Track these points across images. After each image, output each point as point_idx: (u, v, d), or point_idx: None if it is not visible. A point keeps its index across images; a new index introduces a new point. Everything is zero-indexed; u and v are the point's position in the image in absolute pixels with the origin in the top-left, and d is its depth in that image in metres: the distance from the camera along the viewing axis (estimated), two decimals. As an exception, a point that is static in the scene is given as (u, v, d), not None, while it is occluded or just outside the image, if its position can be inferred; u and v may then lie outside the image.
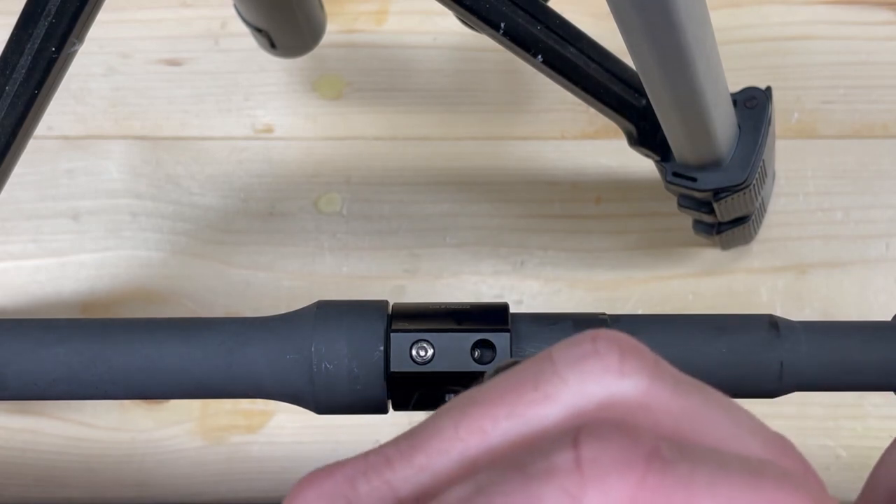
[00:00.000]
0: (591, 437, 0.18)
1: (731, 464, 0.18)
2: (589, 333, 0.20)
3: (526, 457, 0.18)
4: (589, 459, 0.18)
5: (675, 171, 0.48)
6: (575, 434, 0.18)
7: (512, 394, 0.19)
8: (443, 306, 0.34)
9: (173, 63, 0.65)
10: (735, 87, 0.47)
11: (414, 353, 0.32)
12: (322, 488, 0.20)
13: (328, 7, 0.53)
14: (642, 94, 0.44)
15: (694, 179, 0.47)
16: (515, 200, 0.61)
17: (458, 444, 0.19)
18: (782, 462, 0.19)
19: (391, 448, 0.20)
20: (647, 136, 0.47)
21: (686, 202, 0.50)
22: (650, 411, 0.19)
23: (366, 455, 0.20)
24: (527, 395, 0.19)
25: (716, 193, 0.48)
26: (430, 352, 0.32)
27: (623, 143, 0.48)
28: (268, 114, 0.64)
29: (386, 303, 0.34)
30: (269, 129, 0.64)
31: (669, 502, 0.17)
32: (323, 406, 0.33)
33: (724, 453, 0.19)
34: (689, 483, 0.17)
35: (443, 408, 0.20)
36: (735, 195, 0.48)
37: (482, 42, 0.46)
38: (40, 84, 0.39)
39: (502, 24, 0.43)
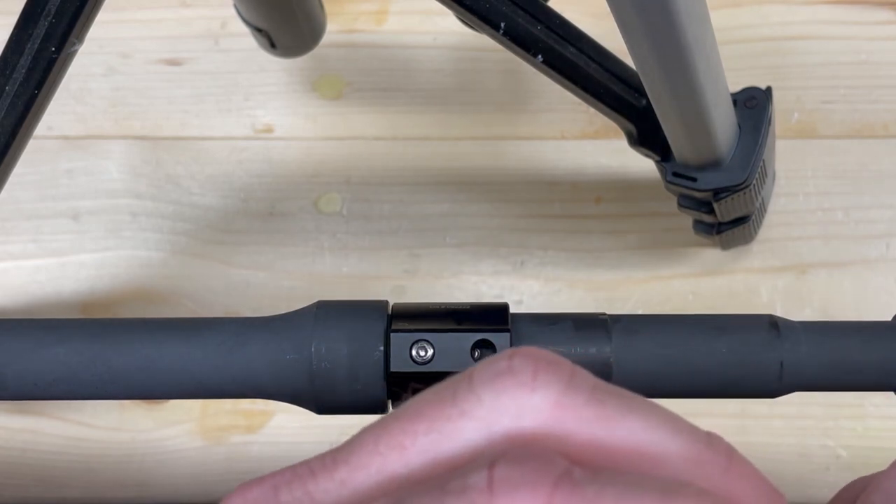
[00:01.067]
0: (506, 458, 0.18)
1: (644, 484, 0.18)
2: (508, 351, 0.21)
3: (445, 475, 0.19)
4: (500, 480, 0.18)
5: (675, 171, 0.48)
6: (493, 456, 0.19)
7: (430, 410, 0.20)
8: (443, 306, 0.34)
9: (173, 63, 0.65)
10: (735, 87, 0.47)
11: (414, 353, 0.32)
12: (249, 496, 0.21)
13: (328, 7, 0.53)
14: (642, 94, 0.44)
15: (694, 179, 0.47)
16: (515, 200, 0.61)
17: (378, 458, 0.20)
18: (708, 457, 0.19)
19: (317, 461, 0.21)
20: (647, 136, 0.47)
21: (686, 202, 0.50)
22: (562, 422, 0.20)
23: (294, 467, 0.21)
24: (445, 411, 0.20)
25: (716, 193, 0.48)
26: (430, 352, 0.32)
27: (623, 143, 0.48)
28: (268, 114, 0.64)
29: (386, 303, 0.34)
30: (269, 129, 0.64)
31: None
32: (323, 406, 0.33)
33: (638, 476, 0.19)
34: (596, 502, 0.18)
35: (369, 424, 0.21)
36: (735, 195, 0.48)
37: (482, 42, 0.46)
38: (40, 84, 0.39)
39: (502, 24, 0.43)
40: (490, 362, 0.20)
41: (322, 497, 0.20)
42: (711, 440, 0.20)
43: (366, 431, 0.21)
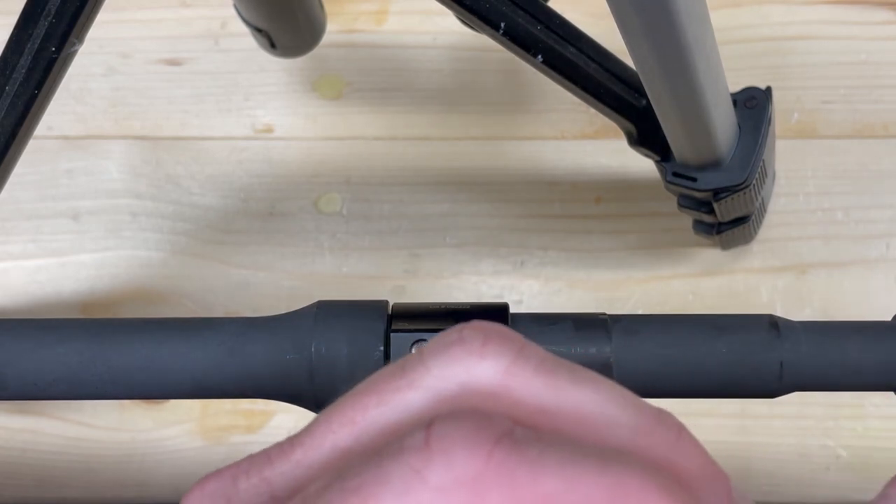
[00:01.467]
0: (445, 418, 0.18)
1: (586, 451, 0.18)
2: (460, 325, 0.20)
3: (386, 441, 0.19)
4: (437, 437, 0.18)
5: (675, 171, 0.48)
6: (432, 416, 0.18)
7: (380, 384, 0.20)
8: (443, 306, 0.34)
9: (173, 63, 0.65)
10: (735, 87, 0.47)
11: (414, 352, 0.32)
12: (206, 489, 0.21)
13: (328, 7, 0.53)
14: (642, 94, 0.44)
15: (694, 179, 0.47)
16: (515, 200, 0.61)
17: (330, 436, 0.20)
18: (656, 432, 0.19)
19: (275, 447, 0.21)
20: (647, 136, 0.47)
21: (686, 202, 0.50)
22: (511, 390, 0.19)
23: (253, 455, 0.21)
24: (394, 383, 0.20)
25: (716, 193, 0.48)
26: (430, 352, 0.32)
27: (623, 143, 0.48)
28: (268, 114, 0.64)
29: (386, 303, 0.34)
30: (269, 129, 0.64)
31: (513, 480, 0.17)
32: (323, 406, 0.33)
33: (582, 442, 0.19)
34: (536, 463, 0.18)
35: (326, 407, 0.21)
36: (735, 195, 0.48)
37: (482, 42, 0.46)
38: (40, 84, 0.39)
39: (502, 24, 0.43)
40: (441, 335, 0.20)
41: (278, 480, 0.20)
42: (661, 416, 0.20)
43: (321, 413, 0.21)
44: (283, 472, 0.20)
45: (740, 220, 0.53)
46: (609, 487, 0.17)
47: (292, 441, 0.21)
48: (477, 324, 0.20)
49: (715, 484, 0.20)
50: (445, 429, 0.18)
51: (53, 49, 0.38)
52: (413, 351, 0.32)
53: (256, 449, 0.21)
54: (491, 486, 0.17)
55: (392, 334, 0.32)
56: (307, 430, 0.20)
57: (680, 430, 0.20)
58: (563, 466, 0.18)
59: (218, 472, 0.21)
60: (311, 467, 0.20)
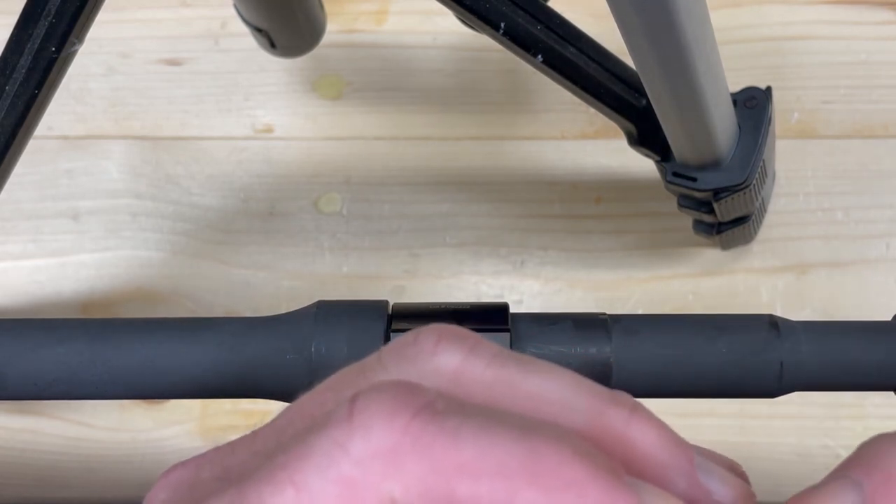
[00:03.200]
0: (367, 391, 0.19)
1: (507, 420, 0.18)
2: (418, 328, 0.21)
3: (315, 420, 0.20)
4: (359, 410, 0.18)
5: (675, 171, 0.48)
6: (357, 393, 0.19)
7: (339, 383, 0.21)
8: (443, 306, 0.34)
9: (173, 63, 0.65)
10: (735, 87, 0.47)
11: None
12: (171, 478, 0.22)
13: (328, 7, 0.53)
14: (642, 94, 0.44)
15: (694, 179, 0.47)
16: (515, 200, 0.61)
17: (290, 429, 0.21)
18: (608, 412, 0.19)
19: (239, 439, 0.21)
20: (647, 136, 0.47)
21: (686, 202, 0.50)
22: (461, 384, 0.20)
23: (218, 447, 0.22)
24: (352, 381, 0.21)
25: (716, 193, 0.48)
26: (430, 352, 0.32)
27: (623, 143, 0.48)
28: (268, 114, 0.64)
29: (386, 303, 0.34)
30: (269, 129, 0.64)
31: (430, 450, 0.18)
32: (323, 406, 0.33)
33: (504, 412, 0.19)
34: (453, 433, 0.18)
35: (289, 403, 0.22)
36: (735, 195, 0.48)
37: (482, 42, 0.46)
38: (40, 84, 0.39)
39: (502, 24, 0.43)
40: (400, 337, 0.21)
41: (234, 467, 0.21)
42: (615, 396, 0.20)
43: (286, 408, 0.21)
44: (242, 461, 0.21)
45: (740, 220, 0.53)
46: (523, 454, 0.18)
47: (255, 433, 0.21)
48: (434, 326, 0.21)
49: (674, 456, 0.20)
50: (367, 401, 0.19)
51: (53, 49, 0.38)
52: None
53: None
54: (407, 456, 0.18)
55: (392, 334, 0.32)
56: (272, 424, 0.21)
57: (634, 407, 0.20)
58: (479, 436, 0.18)
59: (183, 463, 0.22)
60: (268, 456, 0.20)
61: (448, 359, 0.20)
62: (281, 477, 0.18)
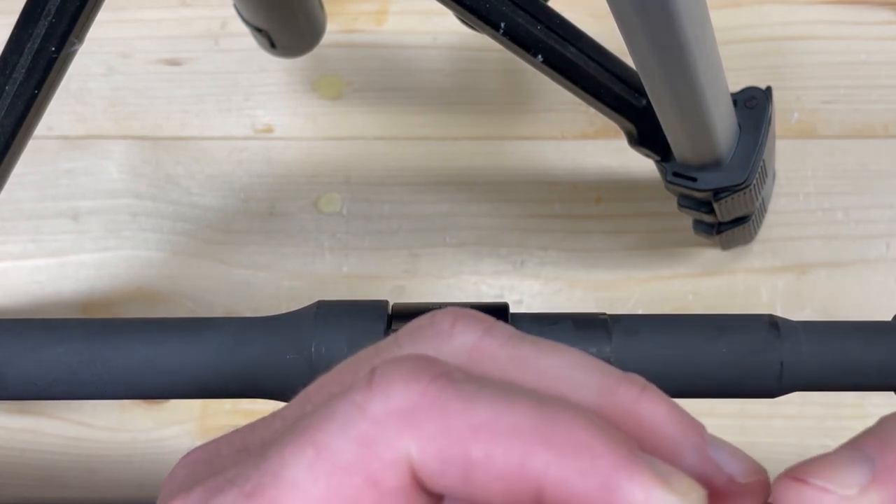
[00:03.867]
0: (389, 361, 0.19)
1: (522, 390, 0.19)
2: (433, 311, 0.22)
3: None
4: (379, 375, 0.19)
5: (675, 171, 0.48)
6: (378, 363, 0.20)
7: (358, 363, 0.21)
8: (443, 306, 0.34)
9: (173, 63, 0.65)
10: (735, 87, 0.47)
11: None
12: (191, 457, 0.22)
13: (328, 7, 0.53)
14: (642, 94, 0.44)
15: (694, 179, 0.47)
16: (515, 200, 0.61)
17: (309, 407, 0.21)
18: (619, 390, 0.20)
19: (259, 420, 0.22)
20: (647, 136, 0.47)
21: (686, 202, 0.50)
22: (477, 361, 0.20)
23: (238, 428, 0.22)
24: (369, 362, 0.21)
25: (716, 193, 0.48)
26: (430, 352, 0.32)
27: (623, 143, 0.48)
28: (268, 114, 0.64)
29: (386, 303, 0.34)
30: (269, 129, 0.64)
31: (446, 410, 0.18)
32: (323, 406, 0.33)
33: (518, 386, 0.19)
34: (469, 397, 0.19)
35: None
36: (735, 195, 0.48)
37: (482, 42, 0.46)
38: (40, 84, 0.39)
39: (502, 24, 0.43)
40: (416, 320, 0.22)
41: (258, 443, 0.21)
42: (626, 376, 0.20)
43: (304, 390, 0.22)
44: (262, 437, 0.21)
45: (740, 220, 0.53)
46: (538, 418, 0.18)
47: (275, 414, 0.22)
48: (450, 308, 0.22)
49: (684, 432, 0.20)
50: (387, 368, 0.19)
51: (53, 49, 0.38)
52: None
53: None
54: (424, 415, 0.18)
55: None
56: (289, 404, 0.22)
57: (644, 386, 0.20)
58: (495, 401, 0.18)
59: (204, 444, 0.22)
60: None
61: (465, 339, 0.21)
62: (303, 439, 0.19)
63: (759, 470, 0.20)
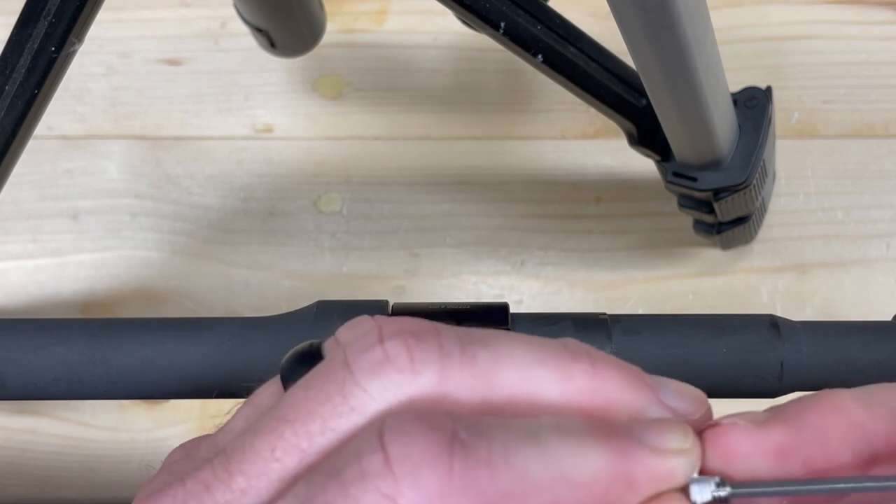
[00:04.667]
0: (394, 433, 0.19)
1: (517, 430, 0.20)
2: (375, 329, 0.22)
3: (339, 462, 0.19)
4: (397, 458, 0.19)
5: (676, 171, 0.48)
6: (379, 433, 0.19)
7: (321, 408, 0.21)
8: (443, 306, 0.34)
9: (173, 63, 0.65)
10: (735, 87, 0.47)
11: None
12: (172, 457, 0.22)
13: (328, 7, 0.53)
14: (642, 94, 0.44)
15: (694, 179, 0.47)
16: (515, 200, 0.61)
17: (276, 465, 0.20)
18: (574, 373, 0.21)
19: (208, 473, 0.21)
20: (647, 135, 0.47)
21: (686, 202, 0.50)
22: (448, 394, 0.21)
23: (185, 481, 0.21)
24: (336, 408, 0.21)
25: (716, 193, 0.48)
26: (430, 352, 0.32)
27: (623, 143, 0.48)
28: (268, 114, 0.64)
29: (386, 303, 0.34)
30: (269, 129, 0.64)
31: (477, 486, 0.19)
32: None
33: (509, 422, 0.20)
34: (488, 462, 0.19)
35: (255, 426, 0.21)
36: (735, 195, 0.48)
37: (482, 42, 0.46)
38: (40, 84, 0.39)
39: (502, 24, 0.43)
40: (364, 347, 0.21)
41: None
42: (572, 352, 0.22)
43: (256, 436, 0.21)
44: (228, 501, 0.21)
45: (741, 220, 0.53)
46: (549, 470, 0.19)
47: (228, 468, 0.21)
48: (394, 329, 0.22)
49: (640, 391, 0.22)
50: (401, 447, 0.19)
51: (53, 49, 0.38)
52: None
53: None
54: (456, 495, 0.19)
55: (392, 334, 0.32)
56: (243, 456, 0.21)
57: (591, 356, 0.22)
58: (508, 458, 0.19)
59: (182, 444, 0.22)
60: (261, 495, 0.20)
61: (428, 373, 0.21)
62: None
63: (702, 399, 0.22)
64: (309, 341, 0.25)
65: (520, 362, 0.21)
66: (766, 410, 0.22)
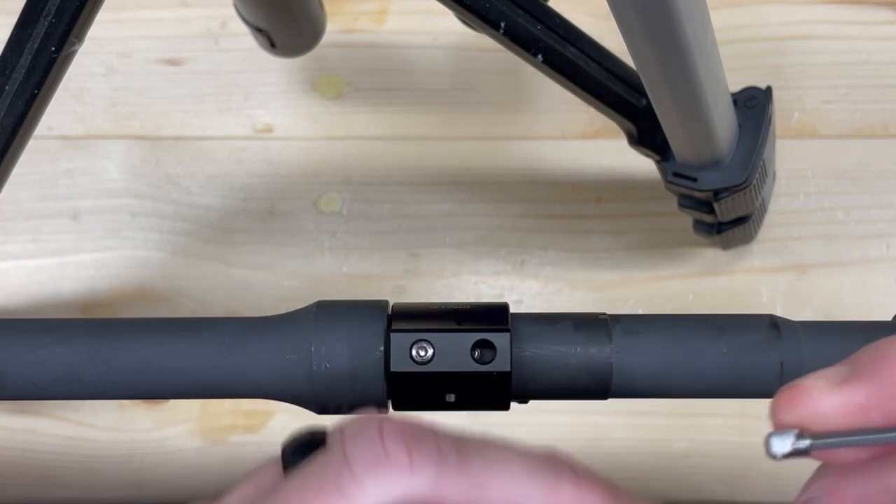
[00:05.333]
0: None
1: None
2: (375, 426, 0.22)
3: None
4: None
5: (676, 171, 0.48)
6: None
7: (316, 499, 0.22)
8: (443, 306, 0.34)
9: (173, 63, 0.65)
10: (735, 87, 0.47)
11: (414, 352, 0.32)
12: None
13: (328, 7, 0.53)
14: (642, 94, 0.44)
15: (694, 179, 0.47)
16: (515, 200, 0.61)
17: None
18: (560, 486, 0.22)
19: None
20: (647, 135, 0.47)
21: (686, 202, 0.50)
22: (443, 496, 0.22)
23: None
24: (329, 500, 0.21)
25: (716, 193, 0.48)
26: (430, 352, 0.32)
27: (623, 143, 0.48)
28: (268, 114, 0.64)
29: (386, 303, 0.34)
30: (269, 129, 0.64)
31: None
32: (323, 406, 0.33)
33: None
34: None
35: None
36: (735, 195, 0.48)
37: (482, 42, 0.46)
38: (40, 84, 0.39)
39: (502, 24, 0.43)
40: (364, 444, 0.22)
41: None
42: (556, 467, 0.23)
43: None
44: None
45: (741, 220, 0.53)
46: None
47: None
48: (394, 428, 0.22)
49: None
50: None
51: (53, 49, 0.38)
52: (414, 352, 0.32)
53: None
54: None
55: (392, 334, 0.32)
56: None
57: (574, 471, 0.23)
58: None
59: None
60: None
61: (426, 474, 0.22)
62: None
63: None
64: (311, 428, 0.25)
65: (511, 472, 0.22)
66: (841, 365, 0.23)
